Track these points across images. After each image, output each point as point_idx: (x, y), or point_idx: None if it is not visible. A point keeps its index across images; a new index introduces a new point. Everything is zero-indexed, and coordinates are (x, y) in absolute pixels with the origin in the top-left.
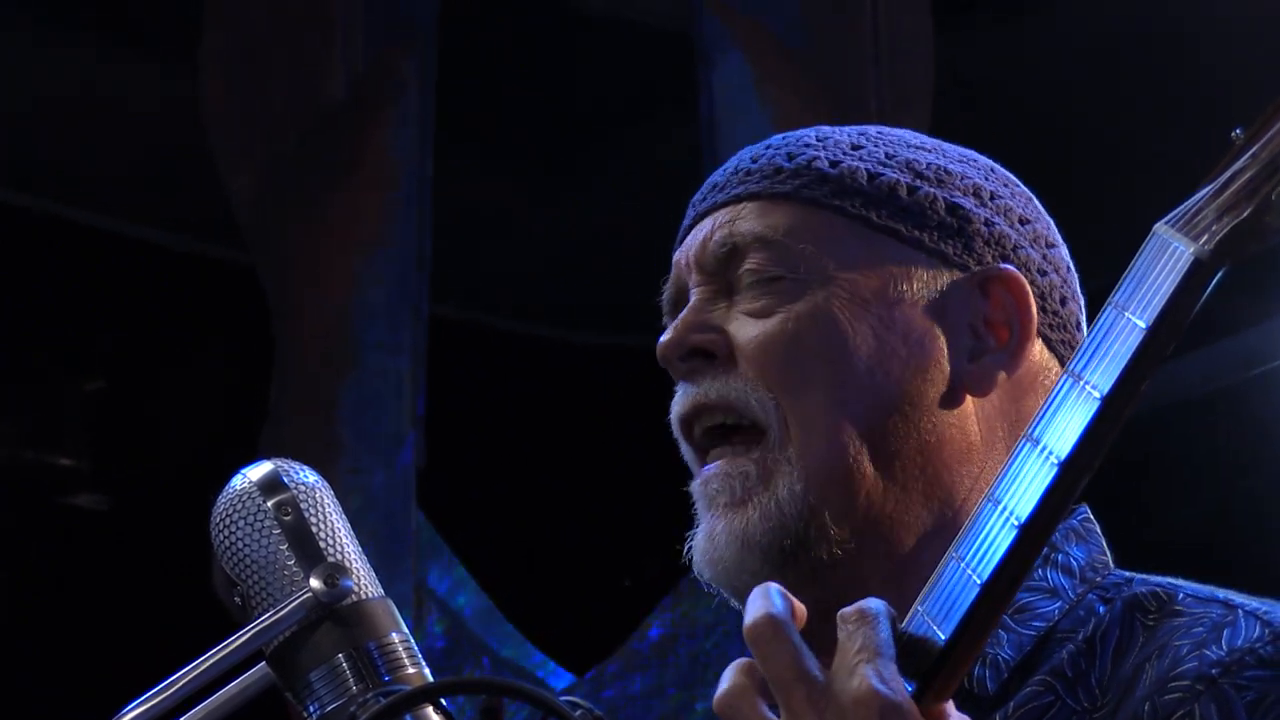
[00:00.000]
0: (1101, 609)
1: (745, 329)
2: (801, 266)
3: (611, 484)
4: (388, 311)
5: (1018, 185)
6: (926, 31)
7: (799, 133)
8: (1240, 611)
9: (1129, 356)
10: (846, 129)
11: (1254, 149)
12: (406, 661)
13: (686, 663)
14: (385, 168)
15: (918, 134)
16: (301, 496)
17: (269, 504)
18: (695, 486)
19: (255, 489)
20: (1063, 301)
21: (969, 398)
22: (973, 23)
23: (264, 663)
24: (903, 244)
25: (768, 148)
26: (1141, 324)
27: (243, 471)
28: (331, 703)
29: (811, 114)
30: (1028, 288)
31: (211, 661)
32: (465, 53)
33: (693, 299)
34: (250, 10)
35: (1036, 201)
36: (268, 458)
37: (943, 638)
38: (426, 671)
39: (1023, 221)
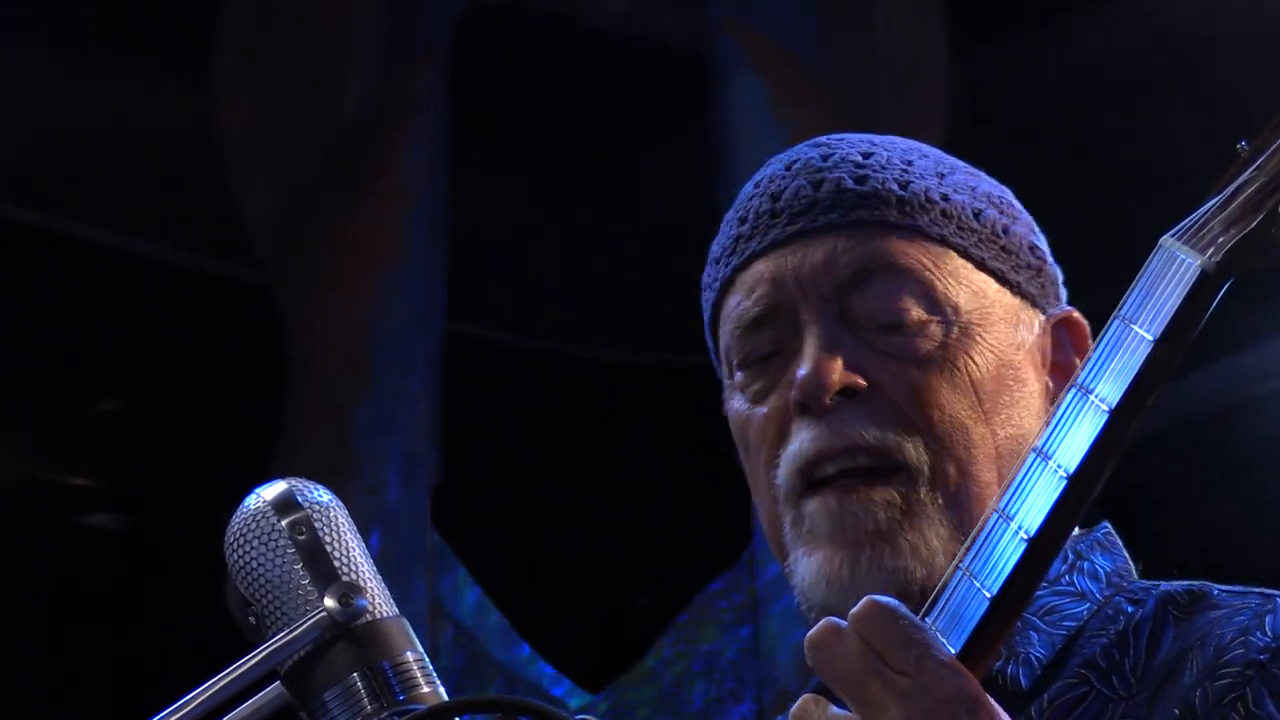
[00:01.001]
0: (1130, 609)
1: (894, 373)
2: (945, 307)
3: (628, 501)
4: (403, 329)
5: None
6: (941, 50)
7: (865, 147)
8: (1278, 600)
9: (1137, 369)
10: (890, 141)
11: (1260, 161)
12: (421, 681)
13: (701, 680)
14: (401, 185)
15: (929, 146)
16: (316, 515)
17: (283, 523)
18: (814, 507)
19: (269, 508)
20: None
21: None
22: (988, 41)
23: (279, 682)
24: (1004, 286)
25: (862, 168)
26: (1149, 336)
27: (257, 491)
28: None
29: (826, 132)
30: (1087, 328)
31: (226, 681)
32: (481, 70)
33: (820, 326)
34: (266, 28)
35: None
36: (282, 477)
37: (952, 651)
38: (441, 691)
39: (1051, 253)
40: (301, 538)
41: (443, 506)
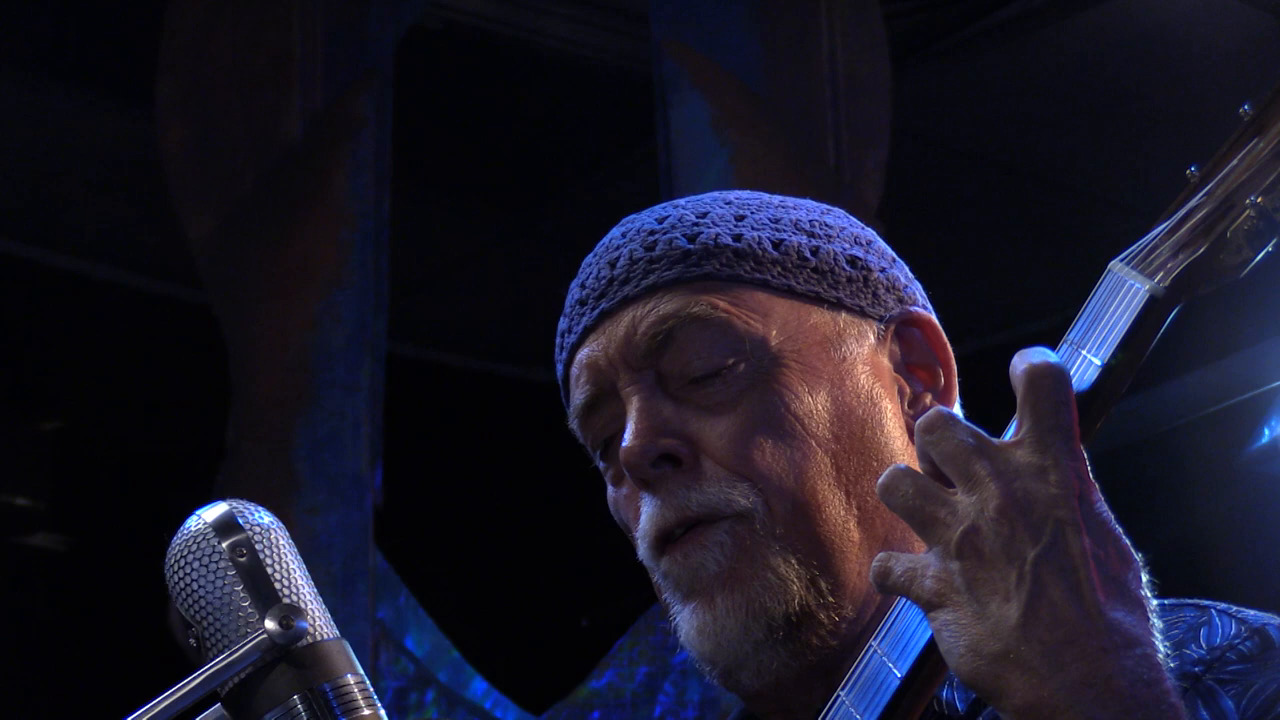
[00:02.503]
0: None
1: (710, 427)
2: (746, 345)
3: (570, 523)
4: (345, 351)
5: (864, 225)
6: (884, 71)
7: (664, 212)
8: (1213, 611)
9: (1084, 394)
10: (699, 199)
11: (1209, 187)
12: (362, 703)
13: (644, 702)
14: (342, 207)
15: (757, 191)
16: (256, 537)
17: (224, 545)
18: (666, 567)
19: (210, 530)
20: (926, 306)
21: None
22: (931, 63)
23: (219, 704)
24: (824, 306)
25: (653, 234)
26: (1097, 361)
27: (198, 513)
28: None
29: (771, 154)
30: (938, 324)
31: (167, 703)
32: (423, 92)
33: (635, 400)
34: (207, 51)
35: (869, 228)
36: (223, 498)
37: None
38: (382, 713)
39: (894, 262)
40: (242, 560)
41: (385, 528)
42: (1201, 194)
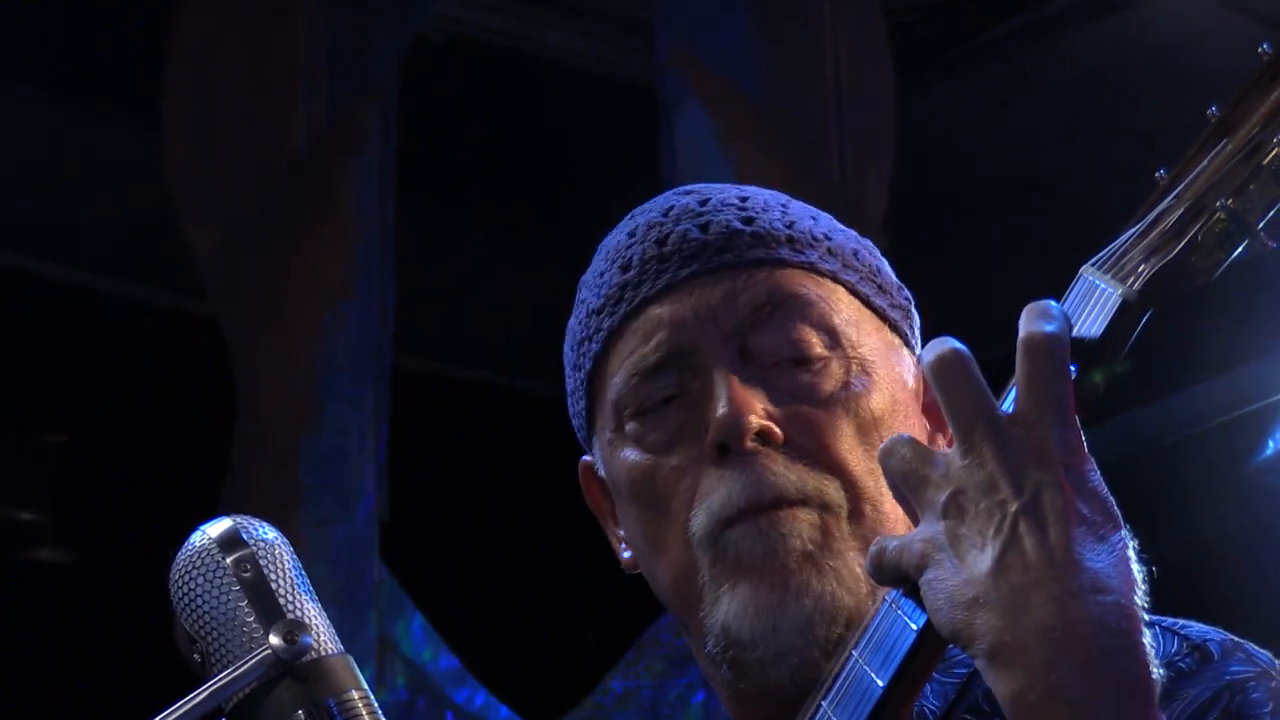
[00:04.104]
0: None
1: (805, 416)
2: (842, 341)
3: (576, 537)
4: (351, 364)
5: None
6: (888, 83)
7: (741, 191)
8: (1157, 628)
9: None
10: (740, 187)
11: (1179, 189)
12: (366, 717)
13: (650, 715)
14: (348, 220)
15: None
16: (261, 553)
17: (228, 560)
18: (737, 537)
19: (214, 545)
20: None
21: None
22: (935, 74)
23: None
24: (887, 325)
25: (744, 210)
26: (1071, 367)
27: (202, 528)
28: None
29: (774, 166)
30: None
31: (173, 719)
32: (428, 106)
33: (726, 371)
34: (213, 65)
35: None
36: (228, 513)
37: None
38: None
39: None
40: (246, 575)
41: (390, 541)
42: (1171, 197)
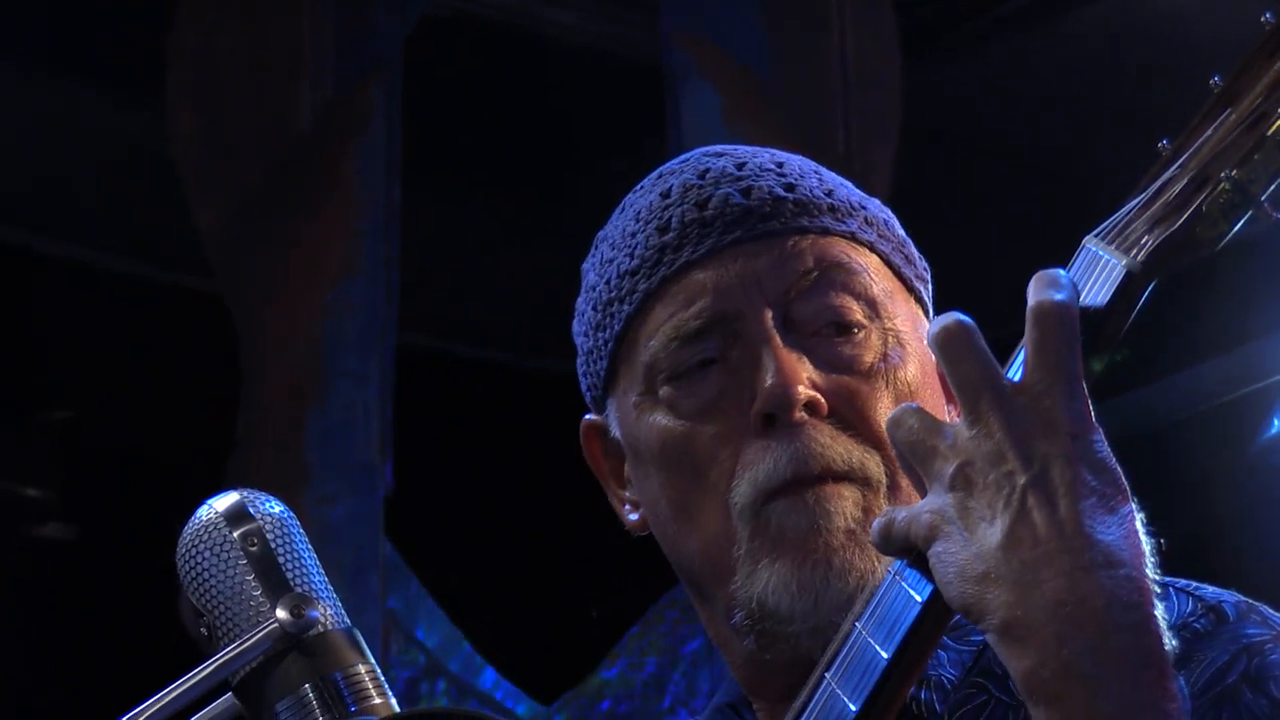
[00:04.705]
0: None
1: (848, 388)
2: (881, 313)
3: (580, 514)
4: (356, 341)
5: None
6: (894, 62)
7: (779, 156)
8: (1171, 589)
9: None
10: (772, 152)
11: (1182, 159)
12: (373, 692)
13: (654, 692)
14: (352, 198)
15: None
16: (268, 527)
17: (235, 534)
18: (782, 510)
19: (221, 519)
20: None
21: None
22: (940, 53)
23: (230, 693)
24: (910, 295)
25: (783, 177)
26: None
27: (209, 502)
28: None
29: (780, 143)
30: None
31: (178, 692)
32: (433, 83)
33: (775, 339)
34: (218, 41)
35: None
36: (234, 488)
37: (853, 709)
38: (393, 701)
39: None
40: (253, 549)
41: (396, 517)
42: (1175, 167)
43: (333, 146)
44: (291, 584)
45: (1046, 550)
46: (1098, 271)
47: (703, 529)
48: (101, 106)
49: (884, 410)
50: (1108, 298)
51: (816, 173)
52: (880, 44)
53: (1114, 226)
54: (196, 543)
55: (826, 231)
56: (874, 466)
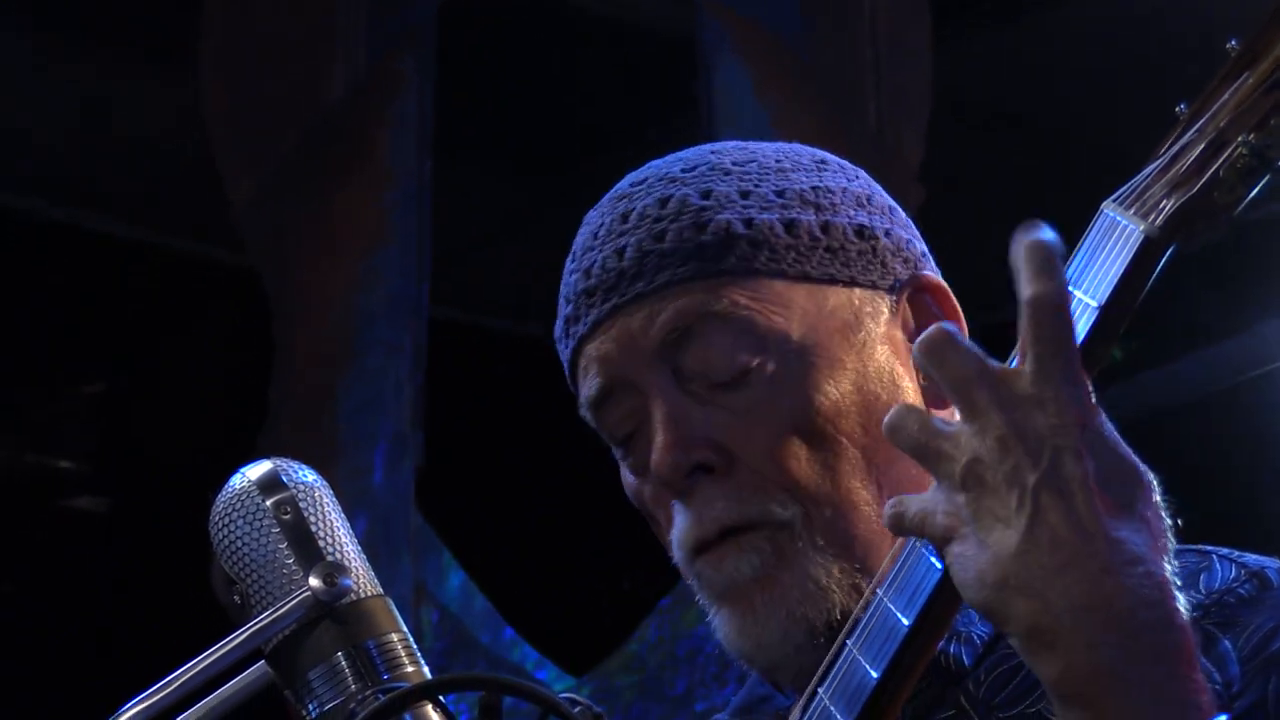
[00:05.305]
0: None
1: (743, 434)
2: (770, 343)
3: (610, 486)
4: (388, 312)
5: (859, 170)
6: (925, 38)
7: (665, 191)
8: (1214, 557)
9: (1083, 337)
10: (693, 165)
11: (1200, 123)
12: (406, 660)
13: (685, 664)
14: (384, 168)
15: (751, 145)
16: (300, 495)
17: (268, 503)
18: (700, 570)
19: (254, 487)
20: (925, 255)
21: (935, 412)
22: (971, 31)
23: (263, 661)
24: (839, 286)
25: (659, 221)
26: (1093, 303)
27: (242, 470)
28: (330, 701)
29: (810, 117)
30: (944, 285)
31: (211, 660)
32: (465, 54)
33: (660, 405)
34: (250, 13)
35: (860, 170)
36: (267, 457)
37: (875, 675)
38: (426, 670)
39: (892, 211)
40: (286, 517)
41: (427, 489)
42: (1192, 131)
43: (365, 118)
44: (324, 552)
45: (1068, 554)
46: (1115, 237)
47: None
48: (136, 80)
49: (789, 447)
50: (1124, 265)
51: (705, 194)
52: (912, 15)
53: (1132, 191)
54: (229, 511)
55: (693, 279)
56: (778, 509)
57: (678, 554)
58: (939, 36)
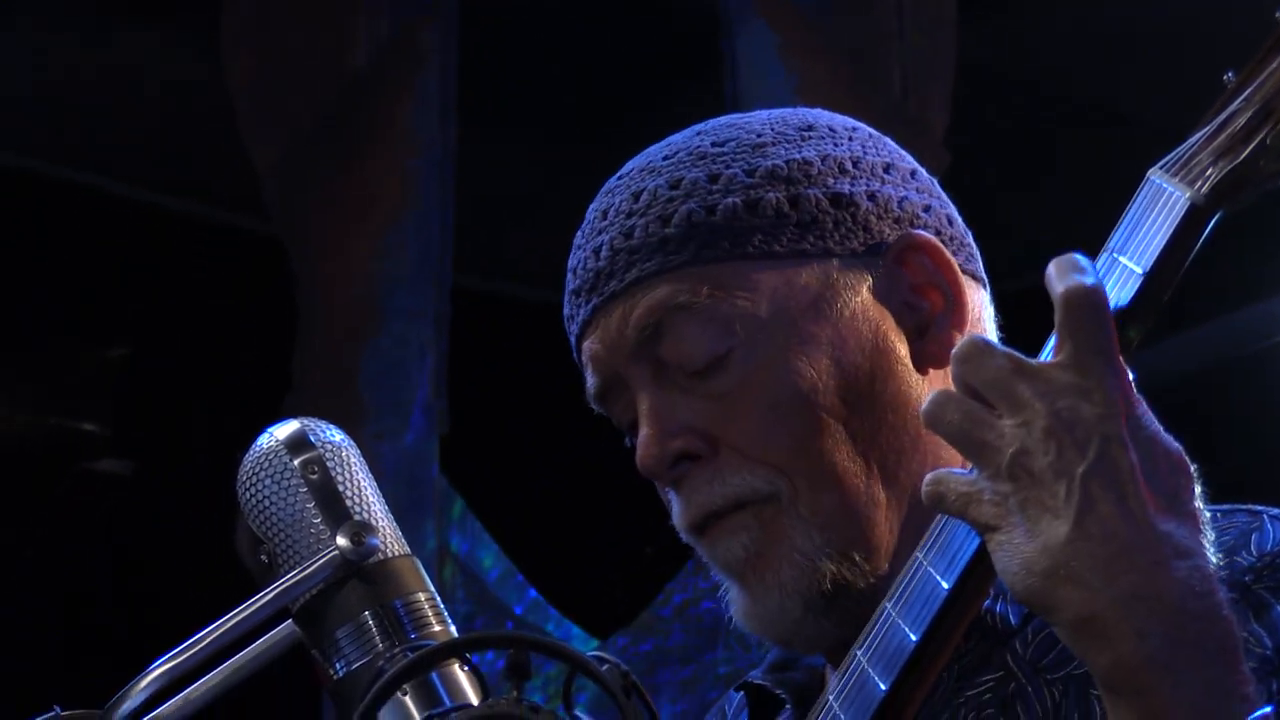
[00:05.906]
0: None
1: (724, 418)
2: (738, 328)
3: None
4: (411, 279)
5: (856, 127)
6: (950, 9)
7: (641, 184)
8: (1265, 517)
9: (1128, 303)
10: (674, 151)
11: (1247, 91)
12: (433, 619)
13: (710, 627)
14: (408, 136)
15: (743, 120)
16: (328, 455)
17: (295, 462)
18: (703, 550)
19: (282, 447)
20: (950, 221)
21: (933, 371)
22: (994, 4)
23: (290, 620)
24: (813, 259)
25: (630, 217)
26: (1138, 269)
27: (269, 430)
28: (358, 660)
29: (835, 82)
30: (936, 242)
31: (238, 619)
32: (489, 21)
33: (643, 400)
34: None
35: (874, 132)
36: (295, 417)
37: (914, 638)
38: (452, 629)
39: (887, 169)
40: (314, 476)
41: (451, 454)
42: (1240, 99)
43: (389, 85)
44: (352, 511)
45: (1119, 545)
46: (1161, 204)
47: None
48: (160, 47)
49: (767, 425)
50: (1169, 233)
51: (674, 184)
52: None
53: (1178, 159)
54: (257, 470)
55: (659, 274)
56: (762, 484)
57: (682, 534)
58: (961, 9)
